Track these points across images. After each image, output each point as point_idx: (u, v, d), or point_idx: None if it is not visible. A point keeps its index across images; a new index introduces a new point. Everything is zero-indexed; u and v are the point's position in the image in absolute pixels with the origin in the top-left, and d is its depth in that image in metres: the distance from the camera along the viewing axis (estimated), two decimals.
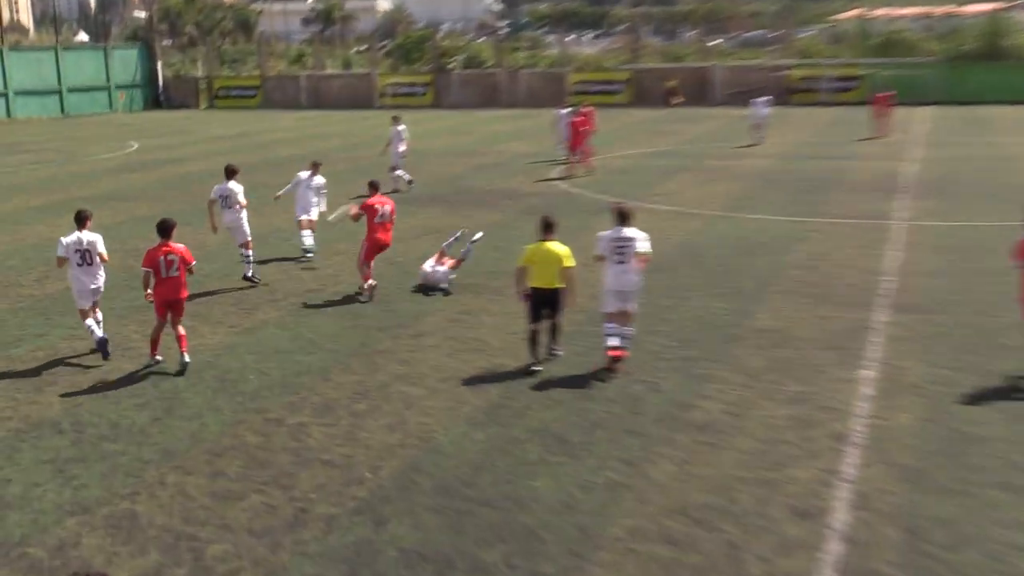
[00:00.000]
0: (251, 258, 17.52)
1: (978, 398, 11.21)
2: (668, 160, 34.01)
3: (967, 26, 61.86)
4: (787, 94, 57.93)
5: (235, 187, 17.23)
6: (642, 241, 12.37)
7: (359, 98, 68.32)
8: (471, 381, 12.18)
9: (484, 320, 14.87)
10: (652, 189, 27.02)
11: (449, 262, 17.11)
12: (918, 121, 44.75)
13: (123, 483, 9.53)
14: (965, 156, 32.07)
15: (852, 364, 12.44)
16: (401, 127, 28.33)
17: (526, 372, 12.39)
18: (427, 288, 16.64)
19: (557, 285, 12.31)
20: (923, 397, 11.28)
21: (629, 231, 12.36)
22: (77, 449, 10.39)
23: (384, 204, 16.28)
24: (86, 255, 13.22)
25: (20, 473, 9.83)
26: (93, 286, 13.32)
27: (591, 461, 9.82)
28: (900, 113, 44.27)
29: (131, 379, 12.53)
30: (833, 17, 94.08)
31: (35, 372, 12.91)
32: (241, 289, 17.09)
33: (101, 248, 13.35)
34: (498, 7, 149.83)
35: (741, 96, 58.47)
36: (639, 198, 25.32)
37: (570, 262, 12.30)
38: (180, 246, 12.82)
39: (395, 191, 26.59)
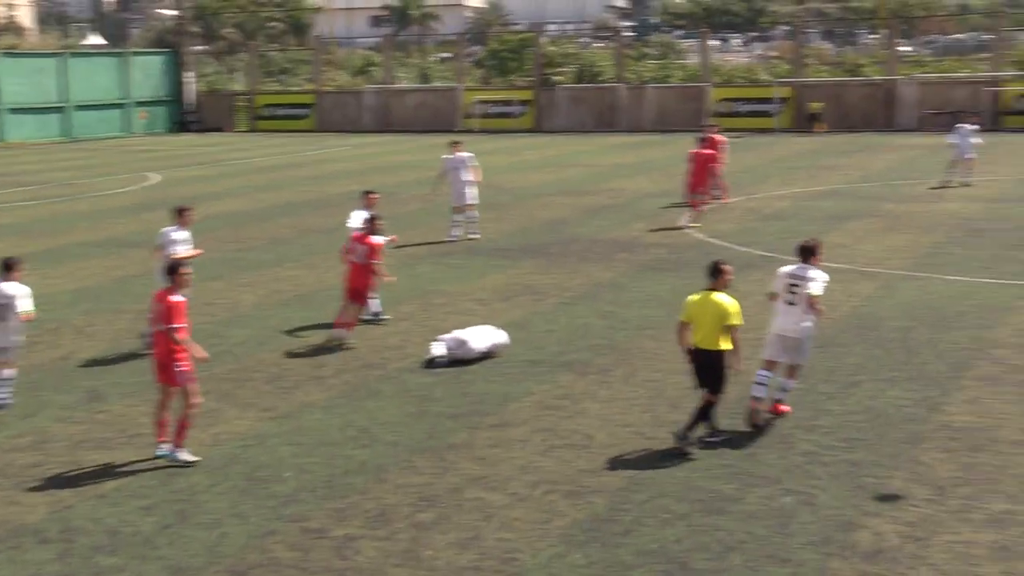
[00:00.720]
0: None
1: None
2: (837, 202, 33.88)
3: None
4: (999, 116, 57.20)
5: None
6: (817, 283, 13.69)
7: (440, 119, 69.59)
8: (568, 487, 12.24)
9: (588, 408, 14.97)
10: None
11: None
12: None
13: None
14: None
15: None
16: (466, 154, 28.47)
17: (706, 440, 13.24)
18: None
19: (721, 347, 13.01)
20: None
21: (811, 270, 13.77)
22: (64, 564, 10.71)
23: (361, 241, 18.15)
24: (2, 309, 14.17)
25: None
26: (1, 345, 14.29)
27: None
28: None
29: (136, 474, 12.90)
30: None
31: (16, 463, 13.38)
32: (281, 364, 17.50)
33: (23, 305, 14.36)
34: (621, 4, 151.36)
35: (939, 119, 58.06)
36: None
37: (738, 320, 13.00)
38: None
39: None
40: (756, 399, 13.90)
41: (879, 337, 18.01)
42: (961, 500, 11.68)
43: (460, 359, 17.04)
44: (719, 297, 13.13)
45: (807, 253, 14.07)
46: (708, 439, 13.38)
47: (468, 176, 28.37)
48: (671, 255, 25.60)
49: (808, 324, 13.84)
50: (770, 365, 14.06)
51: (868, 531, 10.99)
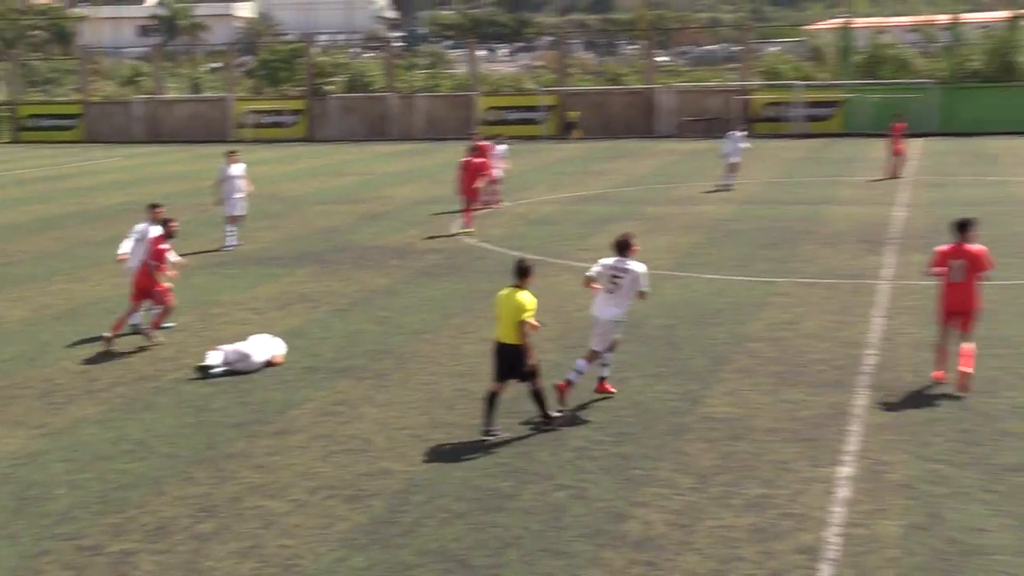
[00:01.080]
0: None
1: (977, 499, 11.59)
2: (601, 206, 34.62)
3: (971, 40, 64.25)
4: (749, 123, 59.41)
5: None
6: (642, 275, 14.82)
7: (211, 129, 68.45)
8: (348, 491, 12.21)
9: (366, 413, 14.94)
10: (580, 243, 27.46)
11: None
12: (910, 156, 46.18)
13: None
14: (966, 199, 33.19)
15: (825, 460, 12.77)
16: (237, 166, 28.32)
17: (483, 439, 13.62)
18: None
19: (518, 341, 13.51)
20: (912, 499, 11.61)
21: (629, 262, 14.86)
22: None
23: (155, 244, 18.42)
24: None
25: None
26: None
27: None
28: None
29: None
30: (807, 28, 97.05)
31: None
32: (52, 379, 16.93)
33: None
34: (390, 15, 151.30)
35: (696, 126, 59.99)
36: (563, 255, 25.75)
37: (530, 316, 13.51)
38: None
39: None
40: (568, 382, 14.78)
41: (644, 335, 18.47)
42: (722, 487, 12.10)
43: (240, 371, 16.79)
44: (520, 294, 13.57)
45: (623, 247, 15.01)
46: (546, 425, 13.92)
47: (242, 186, 28.18)
48: (444, 260, 25.76)
49: (621, 310, 14.94)
50: (592, 356, 15.08)
51: (637, 521, 11.28)
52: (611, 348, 15.25)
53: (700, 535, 10.92)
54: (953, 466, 12.51)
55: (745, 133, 40.48)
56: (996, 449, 12.99)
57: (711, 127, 59.52)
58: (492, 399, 13.75)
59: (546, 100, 64.13)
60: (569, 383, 14.79)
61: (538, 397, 13.89)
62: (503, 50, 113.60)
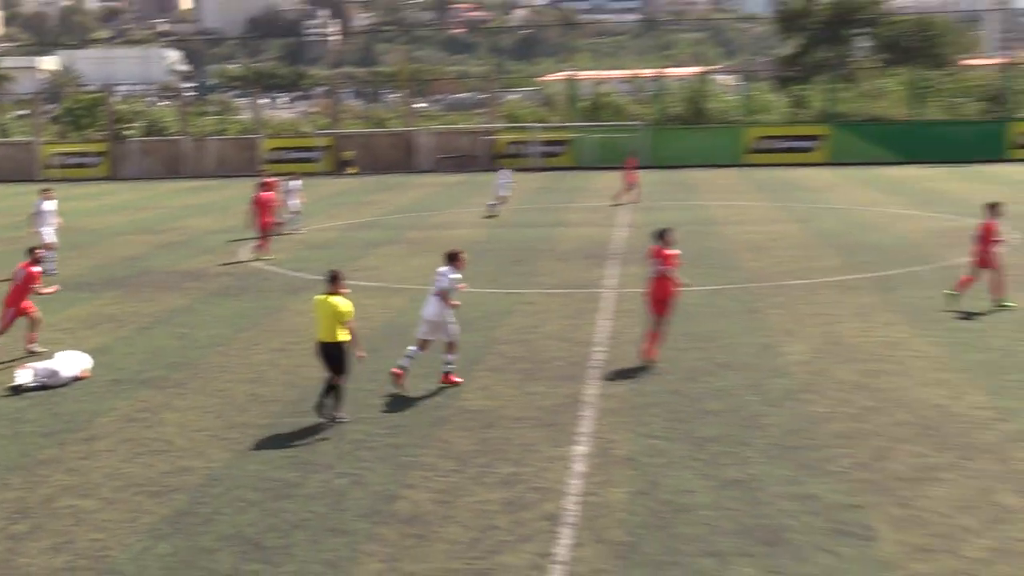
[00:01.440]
0: None
1: (686, 466, 12.05)
2: (371, 232, 34.47)
3: (672, 90, 66.76)
4: (495, 159, 60.26)
5: None
6: (456, 282, 15.41)
7: (20, 169, 65.03)
8: (152, 488, 11.82)
9: (167, 418, 14.48)
10: (354, 264, 27.27)
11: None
12: (636, 185, 47.66)
13: None
14: (673, 221, 34.35)
15: (564, 441, 13.05)
16: (50, 202, 27.69)
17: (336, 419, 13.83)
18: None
19: (339, 339, 13.64)
20: (634, 470, 11.99)
21: (452, 272, 15.36)
22: None
23: (27, 267, 18.14)
24: None
25: None
26: None
27: (290, 566, 9.76)
28: (610, 178, 47.07)
29: None
30: (540, 79, 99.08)
31: None
32: None
33: None
34: (183, 68, 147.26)
35: (450, 162, 60.48)
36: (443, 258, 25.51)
37: (350, 316, 13.68)
38: None
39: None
40: (401, 368, 15.25)
41: (409, 341, 18.41)
42: (478, 468, 12.22)
43: (51, 386, 16.03)
44: (334, 299, 13.65)
45: (451, 259, 15.56)
46: (337, 419, 13.84)
47: (53, 220, 27.62)
48: (235, 282, 25.18)
49: (446, 310, 15.36)
50: (422, 344, 15.52)
51: (407, 500, 11.29)
52: (451, 348, 15.58)
53: (460, 509, 11.01)
54: (666, 440, 12.97)
55: (511, 171, 41.04)
56: (700, 425, 13.53)
57: (463, 163, 60.29)
58: (332, 388, 13.81)
59: (321, 141, 63.51)
60: (404, 370, 15.24)
61: (338, 393, 13.86)
62: (283, 98, 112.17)
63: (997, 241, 19.73)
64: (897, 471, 11.75)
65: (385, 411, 14.51)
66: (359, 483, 11.83)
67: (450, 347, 15.62)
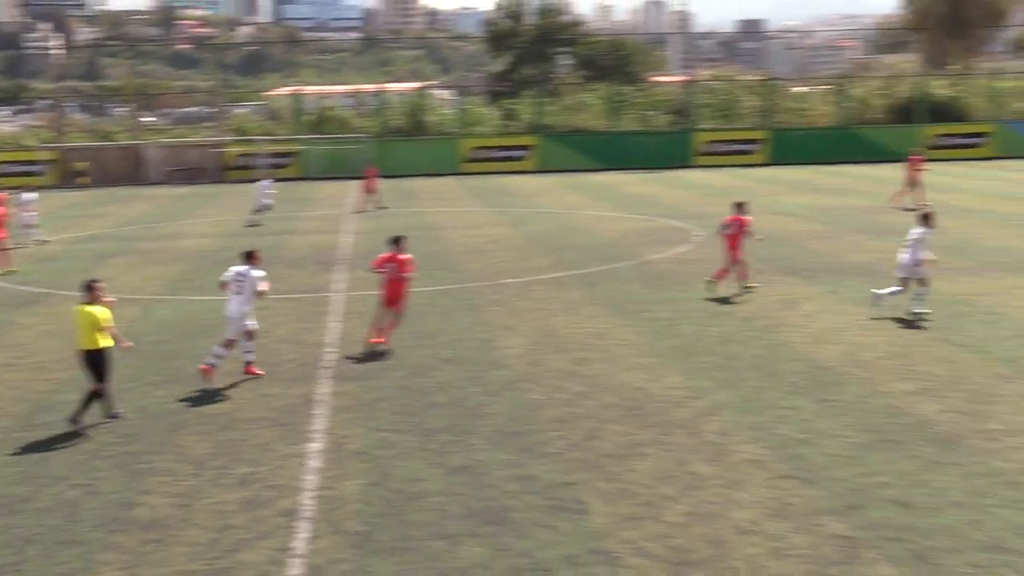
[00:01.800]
0: None
1: (416, 457, 12.09)
2: (101, 244, 32.77)
3: (393, 104, 66.93)
4: (224, 171, 58.62)
5: None
6: (262, 279, 15.39)
7: None
8: None
9: None
10: (84, 276, 25.71)
11: None
12: (352, 194, 47.39)
13: None
14: (396, 227, 34.43)
15: (298, 439, 12.83)
16: None
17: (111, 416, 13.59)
18: None
19: (100, 345, 13.36)
20: (367, 463, 11.92)
21: (253, 270, 15.31)
22: None
23: None
24: None
25: None
26: None
27: None
28: (337, 187, 46.71)
29: None
30: (267, 94, 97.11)
31: None
32: None
33: None
34: None
35: (180, 174, 58.33)
36: (69, 287, 24.09)
37: (108, 322, 13.46)
38: None
39: None
40: (210, 365, 15.15)
41: (141, 350, 17.51)
42: (215, 470, 11.84)
43: None
44: (91, 308, 13.42)
45: (249, 257, 15.61)
46: (110, 417, 13.63)
47: None
48: None
49: (248, 307, 15.33)
50: (228, 344, 15.36)
51: (145, 507, 10.79)
52: (251, 337, 15.58)
53: (199, 512, 10.62)
54: (397, 433, 12.98)
55: (272, 180, 39.85)
56: (427, 417, 13.62)
57: (193, 175, 58.28)
58: (93, 397, 13.43)
59: (46, 155, 59.78)
60: (212, 366, 15.16)
61: (106, 396, 13.58)
62: (3, 112, 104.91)
63: (748, 234, 21.42)
64: (605, 449, 12.22)
65: (121, 421, 13.79)
66: (94, 493, 11.19)
67: (251, 336, 15.63)
